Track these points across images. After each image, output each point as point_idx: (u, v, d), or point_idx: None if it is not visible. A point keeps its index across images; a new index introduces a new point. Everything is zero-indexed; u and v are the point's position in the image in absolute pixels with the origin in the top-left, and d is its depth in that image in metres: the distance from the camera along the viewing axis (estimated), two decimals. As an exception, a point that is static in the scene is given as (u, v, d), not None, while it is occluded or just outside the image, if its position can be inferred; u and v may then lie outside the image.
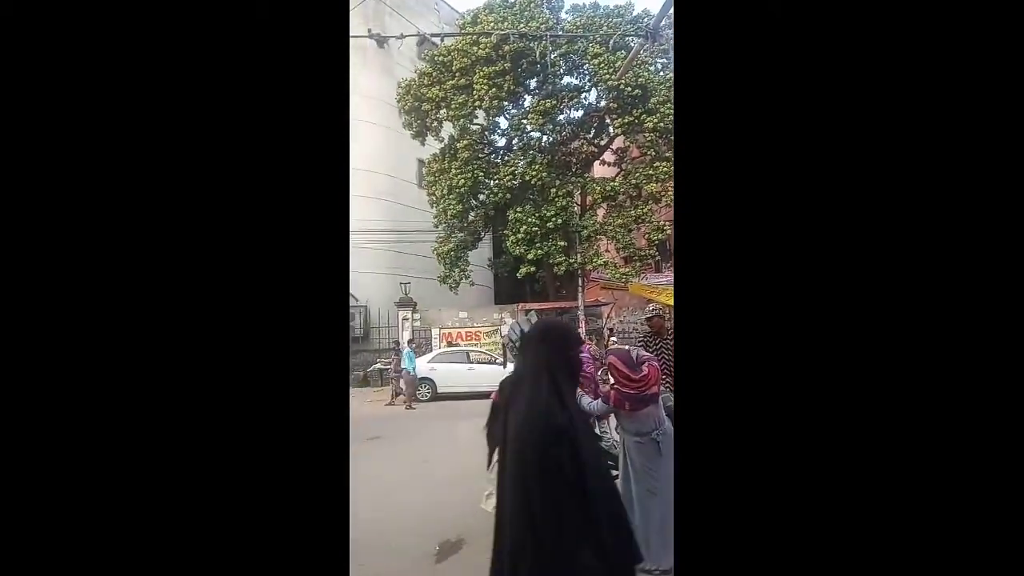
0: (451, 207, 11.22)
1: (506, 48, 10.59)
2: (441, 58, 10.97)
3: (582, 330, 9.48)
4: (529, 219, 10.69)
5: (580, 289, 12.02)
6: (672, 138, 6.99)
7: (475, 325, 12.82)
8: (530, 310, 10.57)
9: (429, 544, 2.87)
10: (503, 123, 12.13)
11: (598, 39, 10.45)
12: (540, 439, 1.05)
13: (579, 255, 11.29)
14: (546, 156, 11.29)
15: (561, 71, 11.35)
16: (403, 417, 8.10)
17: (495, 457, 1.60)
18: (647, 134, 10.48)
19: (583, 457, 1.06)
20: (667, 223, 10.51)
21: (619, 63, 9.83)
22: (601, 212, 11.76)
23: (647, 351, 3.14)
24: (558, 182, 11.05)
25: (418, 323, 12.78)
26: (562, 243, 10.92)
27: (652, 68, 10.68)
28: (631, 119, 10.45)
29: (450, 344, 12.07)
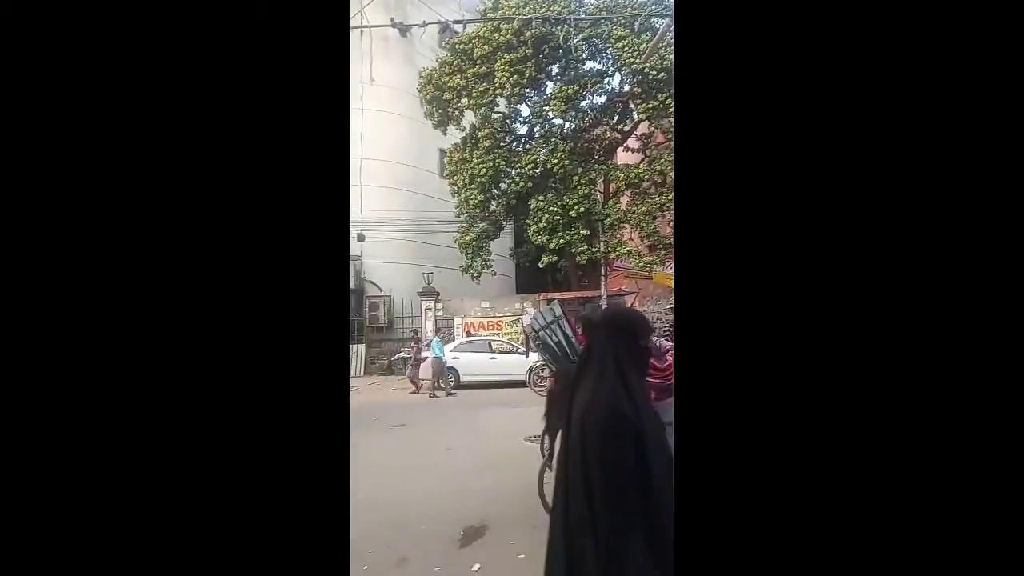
0: (472, 197, 11.18)
1: (528, 34, 10.41)
2: (462, 46, 10.86)
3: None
4: (551, 208, 10.57)
5: (603, 278, 11.88)
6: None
7: (497, 315, 12.84)
8: (552, 299, 10.50)
9: (453, 530, 2.91)
10: (524, 111, 11.98)
11: (622, 21, 10.18)
12: (604, 429, 1.03)
13: (602, 244, 11.14)
14: (568, 143, 11.12)
15: (584, 56, 11.11)
16: (427, 405, 8.20)
17: (555, 445, 1.55)
18: (673, 119, 10.17)
19: (648, 448, 1.03)
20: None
21: (644, 46, 9.56)
22: (625, 200, 11.54)
23: (672, 341, 3.06)
24: (580, 170, 10.89)
25: (440, 313, 12.88)
26: (585, 232, 10.78)
27: (679, 50, 10.33)
28: (656, 104, 10.18)
29: (468, 334, 12.12)
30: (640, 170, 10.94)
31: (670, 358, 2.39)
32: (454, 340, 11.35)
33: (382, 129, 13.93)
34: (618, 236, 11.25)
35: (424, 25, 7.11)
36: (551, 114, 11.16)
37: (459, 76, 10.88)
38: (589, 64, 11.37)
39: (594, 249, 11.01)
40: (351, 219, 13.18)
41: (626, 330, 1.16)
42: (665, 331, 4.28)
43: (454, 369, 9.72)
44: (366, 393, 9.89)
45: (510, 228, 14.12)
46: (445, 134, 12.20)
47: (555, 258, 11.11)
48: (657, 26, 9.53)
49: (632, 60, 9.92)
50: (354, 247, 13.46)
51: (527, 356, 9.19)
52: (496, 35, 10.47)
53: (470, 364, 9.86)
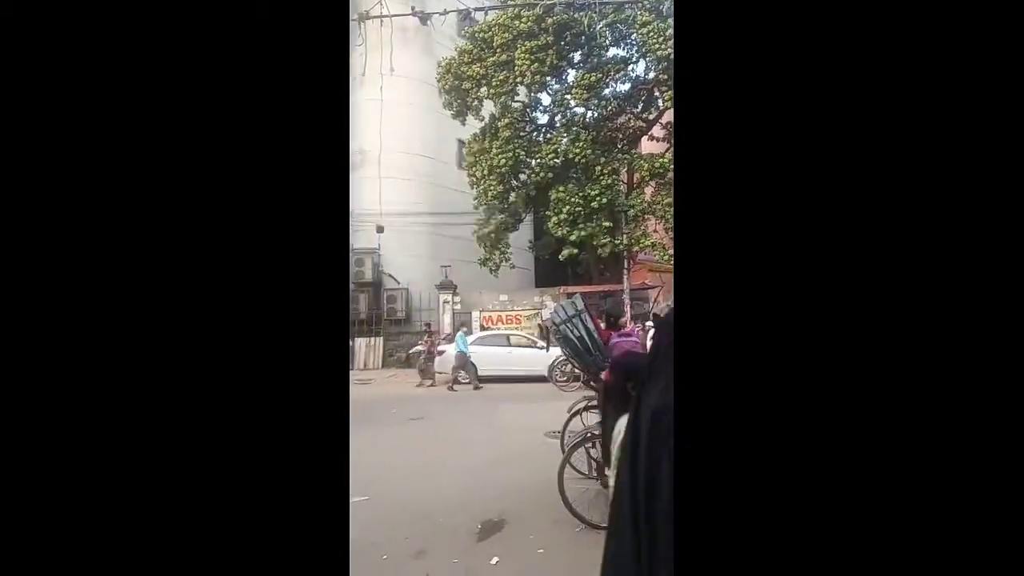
0: (491, 188, 11.07)
1: (549, 21, 10.21)
2: (482, 34, 10.73)
3: (627, 315, 9.24)
4: (572, 199, 10.38)
5: (626, 271, 11.64)
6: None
7: (515, 308, 12.75)
8: (573, 293, 10.36)
9: (471, 523, 2.91)
10: (545, 99, 11.80)
11: (647, 6, 9.89)
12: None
13: (625, 236, 10.89)
14: (591, 132, 10.90)
15: (607, 42, 10.87)
16: (444, 398, 8.19)
17: (617, 436, 1.74)
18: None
19: None
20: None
21: (670, 31, 9.27)
22: (649, 190, 11.26)
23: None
24: (603, 159, 10.66)
25: (459, 306, 12.86)
26: (607, 223, 10.56)
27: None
28: (682, 91, 9.87)
29: (483, 328, 12.07)
30: (665, 160, 10.63)
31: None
32: (471, 334, 11.32)
33: (400, 120, 13.93)
34: (642, 228, 10.99)
35: (445, 13, 7.03)
36: (573, 102, 10.95)
37: (479, 65, 10.75)
38: (613, 51, 11.12)
39: (617, 241, 10.78)
40: (370, 211, 13.41)
41: None
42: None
43: (472, 363, 9.69)
44: (384, 386, 9.95)
45: (529, 220, 14.00)
46: (464, 124, 12.09)
47: (576, 251, 10.93)
48: (684, 9, 9.21)
49: (658, 46, 9.64)
50: (372, 240, 13.56)
51: (547, 351, 9.10)
52: (517, 22, 10.30)
53: (488, 358, 9.80)
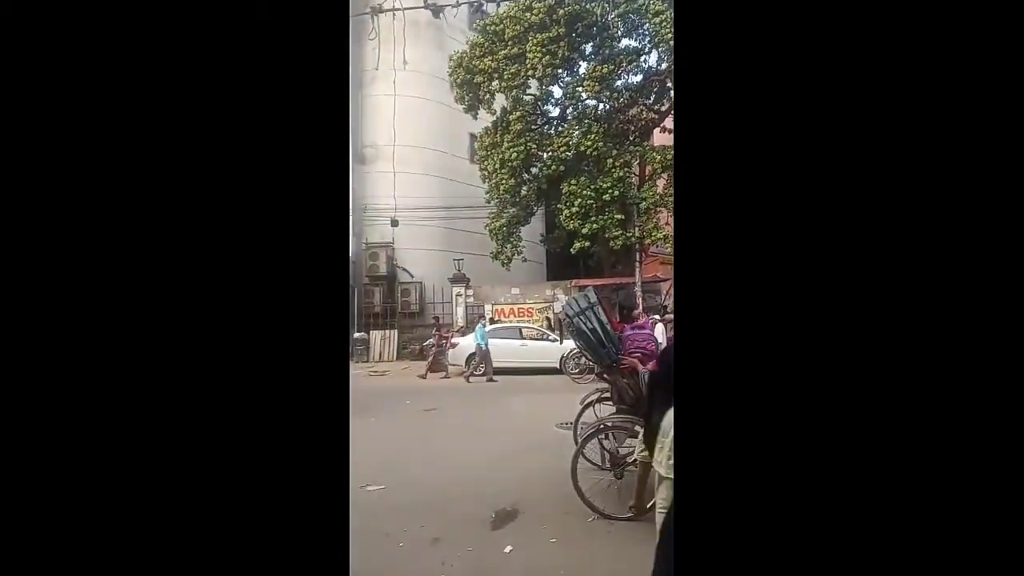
0: (503, 182, 11.05)
1: (560, 12, 10.11)
2: (493, 27, 10.66)
3: (639, 307, 9.18)
4: (584, 192, 10.33)
5: (637, 264, 11.59)
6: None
7: (527, 302, 12.76)
8: (585, 287, 10.34)
9: (485, 512, 2.95)
10: (557, 92, 11.71)
11: (660, -6, 9.72)
12: None
13: (637, 228, 10.83)
14: (602, 125, 10.80)
15: (619, 33, 10.72)
16: (457, 391, 8.26)
17: (668, 429, 1.82)
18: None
19: None
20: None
21: (684, 19, 9.09)
22: (661, 183, 11.15)
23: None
24: (615, 152, 10.57)
25: (471, 299, 12.92)
26: (619, 216, 10.50)
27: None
28: (696, 81, 9.72)
29: (493, 321, 12.11)
30: (677, 152, 10.50)
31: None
32: (488, 326, 11.36)
33: (413, 115, 13.94)
34: (654, 220, 10.89)
35: (457, 5, 7.01)
36: (584, 95, 10.85)
37: (490, 58, 10.70)
38: (625, 42, 10.97)
39: (629, 234, 10.72)
40: (384, 206, 13.50)
41: None
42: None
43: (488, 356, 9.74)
44: (398, 378, 10.07)
45: (541, 213, 13.95)
46: (476, 118, 12.06)
47: (587, 244, 10.89)
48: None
49: (670, 36, 9.48)
50: (387, 234, 13.66)
51: (560, 343, 9.11)
52: (528, 15, 10.22)
53: (501, 350, 9.85)
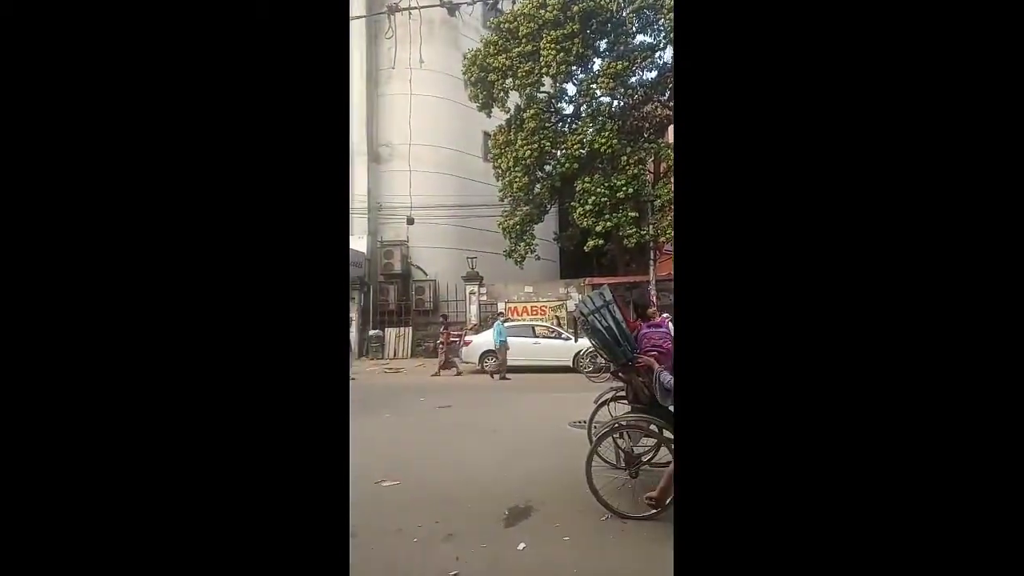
0: (517, 180, 11.05)
1: (575, 8, 10.04)
2: (507, 25, 10.65)
3: (654, 306, 9.06)
4: (598, 189, 10.27)
5: (652, 262, 11.48)
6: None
7: (540, 300, 12.75)
8: (598, 285, 10.27)
9: (498, 509, 2.95)
10: (571, 89, 11.65)
11: (676, -11, 9.58)
12: None
13: (651, 226, 10.73)
14: (616, 122, 10.73)
15: (634, 29, 10.61)
16: (471, 388, 8.29)
17: None
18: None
19: None
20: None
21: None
22: (676, 180, 11.01)
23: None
24: (629, 149, 10.49)
25: (484, 297, 12.95)
26: (633, 214, 10.42)
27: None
28: (712, 76, 9.57)
29: (504, 320, 12.09)
30: (693, 148, 10.37)
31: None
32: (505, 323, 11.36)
33: (427, 113, 14.00)
34: (668, 218, 10.77)
35: (473, 2, 7.01)
36: (599, 92, 10.78)
37: (504, 56, 10.69)
38: (639, 38, 10.86)
39: (643, 232, 10.62)
40: (399, 204, 13.59)
41: None
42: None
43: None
44: (413, 375, 10.14)
45: (554, 211, 13.92)
46: (490, 116, 12.07)
47: (601, 241, 10.83)
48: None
49: (687, 30, 9.34)
50: (401, 232, 13.75)
51: (575, 341, 9.06)
52: (542, 12, 10.18)
53: (514, 348, 9.84)
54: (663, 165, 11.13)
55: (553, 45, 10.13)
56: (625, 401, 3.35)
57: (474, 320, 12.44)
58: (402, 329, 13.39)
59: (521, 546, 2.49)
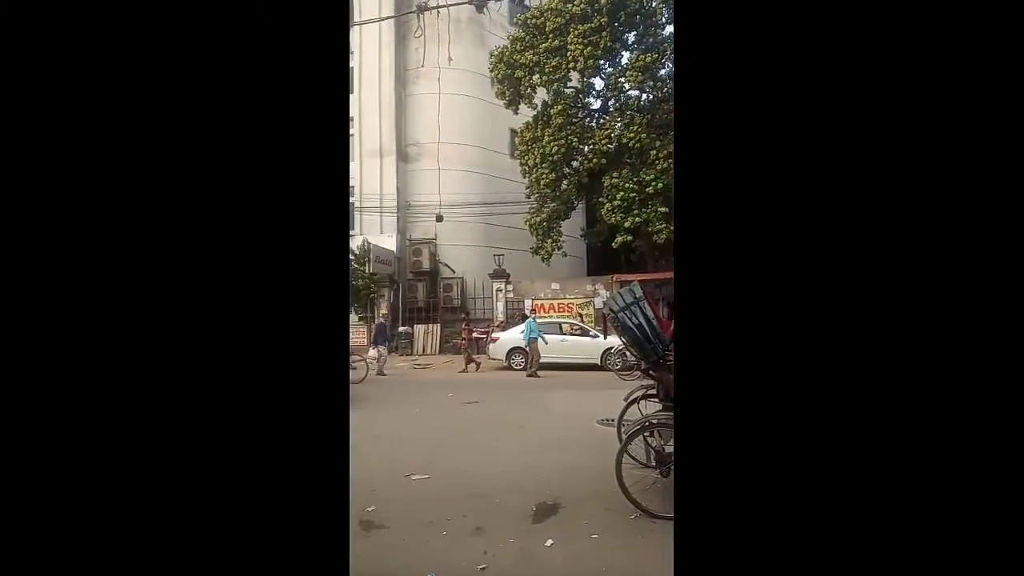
0: (544, 176, 11.01)
1: (603, 1, 9.89)
2: (534, 21, 10.60)
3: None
4: (626, 185, 10.12)
5: (682, 259, 11.22)
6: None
7: (567, 297, 12.67)
8: (627, 281, 10.13)
9: (526, 505, 2.95)
10: (598, 84, 11.50)
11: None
12: None
13: (681, 222, 10.50)
14: (645, 116, 10.53)
15: (663, 20, 10.37)
16: (498, 385, 8.33)
17: None
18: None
19: None
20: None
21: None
22: (707, 174, 10.73)
23: None
24: (659, 143, 10.29)
25: (511, 294, 12.97)
26: (663, 209, 10.22)
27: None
28: (746, 66, 9.27)
29: (535, 316, 12.06)
30: (726, 141, 10.07)
31: None
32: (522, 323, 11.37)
33: (452, 112, 14.09)
34: (699, 213, 10.53)
35: None
36: (627, 85, 10.61)
37: (531, 52, 10.66)
38: (669, 28, 10.60)
39: (673, 227, 10.40)
40: (428, 203, 13.76)
41: None
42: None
43: (526, 351, 9.75)
44: (440, 371, 10.27)
45: (581, 208, 13.80)
46: (516, 113, 12.06)
47: (630, 238, 10.67)
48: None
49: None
50: (429, 230, 13.92)
51: (604, 338, 8.97)
52: (569, 6, 10.09)
53: (541, 345, 9.82)
54: (694, 159, 10.85)
55: (580, 39, 10.02)
56: (656, 399, 3.29)
57: (501, 317, 12.47)
58: (430, 326, 13.57)
59: (549, 542, 2.49)
